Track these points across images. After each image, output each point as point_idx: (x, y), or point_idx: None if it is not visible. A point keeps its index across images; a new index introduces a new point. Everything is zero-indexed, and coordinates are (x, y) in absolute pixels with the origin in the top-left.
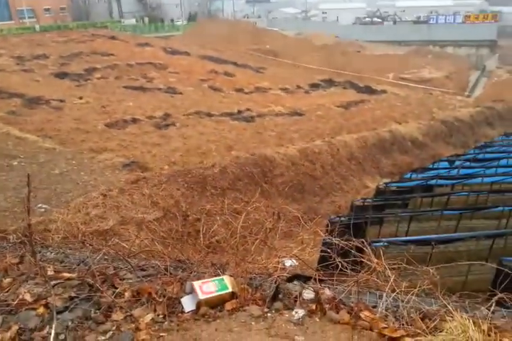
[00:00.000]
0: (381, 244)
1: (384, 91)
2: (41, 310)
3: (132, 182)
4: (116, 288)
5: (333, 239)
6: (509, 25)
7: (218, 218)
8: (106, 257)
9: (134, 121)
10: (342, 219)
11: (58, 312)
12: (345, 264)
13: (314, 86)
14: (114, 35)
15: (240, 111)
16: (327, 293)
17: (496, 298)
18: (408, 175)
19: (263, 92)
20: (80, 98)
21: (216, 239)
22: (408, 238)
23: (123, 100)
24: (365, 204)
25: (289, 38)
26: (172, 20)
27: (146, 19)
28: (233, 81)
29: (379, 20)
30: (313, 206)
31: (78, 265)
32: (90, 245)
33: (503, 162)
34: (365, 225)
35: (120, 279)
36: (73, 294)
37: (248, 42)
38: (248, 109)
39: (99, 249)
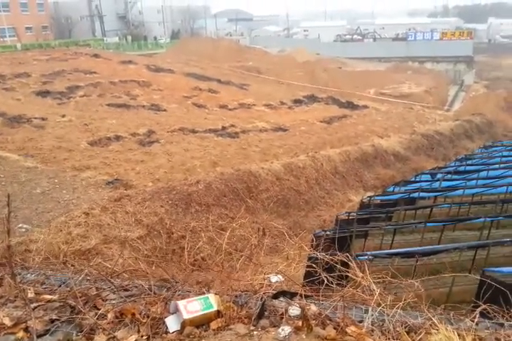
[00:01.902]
0: (366, 257)
1: (366, 107)
2: (21, 334)
3: (115, 200)
4: (99, 310)
5: (318, 253)
6: (483, 41)
7: (203, 235)
8: (88, 278)
9: (118, 138)
10: (327, 233)
11: (39, 336)
12: (330, 279)
13: (297, 102)
14: (97, 53)
15: (224, 128)
16: (313, 308)
17: (479, 309)
18: (391, 189)
19: (247, 108)
20: (63, 116)
21: (201, 256)
22: (392, 251)
23: (106, 118)
24: (350, 217)
25: (272, 55)
26: (155, 38)
27: (129, 37)
28: (217, 98)
29: (359, 37)
30: (299, 220)
31: (59, 286)
32: (72, 266)
33: (483, 174)
34: (350, 239)
35: (103, 300)
36: (54, 316)
37: (231, 60)
38: (232, 125)
39: (81, 270)
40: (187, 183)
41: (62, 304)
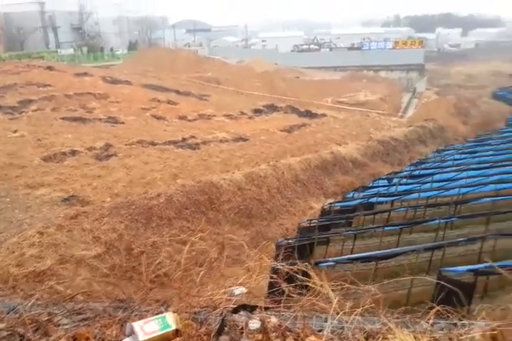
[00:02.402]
0: (328, 263)
1: (324, 115)
2: None
3: (72, 217)
4: (51, 336)
5: (278, 264)
6: (433, 50)
7: (164, 249)
8: (39, 302)
9: (73, 153)
10: (289, 241)
11: None
12: (291, 289)
13: (257, 111)
14: (51, 66)
15: (184, 139)
16: (273, 320)
17: (433, 310)
18: (350, 195)
19: (207, 119)
20: (14, 131)
21: (163, 271)
22: (353, 256)
23: (61, 132)
24: (311, 225)
25: (231, 65)
26: (112, 49)
27: (85, 49)
28: (176, 109)
29: (316, 47)
30: (262, 230)
31: (8, 313)
32: (21, 290)
33: (437, 177)
34: (312, 246)
35: (55, 325)
36: None
37: (190, 71)
38: (192, 137)
39: (32, 294)
40: (147, 197)
41: (10, 333)
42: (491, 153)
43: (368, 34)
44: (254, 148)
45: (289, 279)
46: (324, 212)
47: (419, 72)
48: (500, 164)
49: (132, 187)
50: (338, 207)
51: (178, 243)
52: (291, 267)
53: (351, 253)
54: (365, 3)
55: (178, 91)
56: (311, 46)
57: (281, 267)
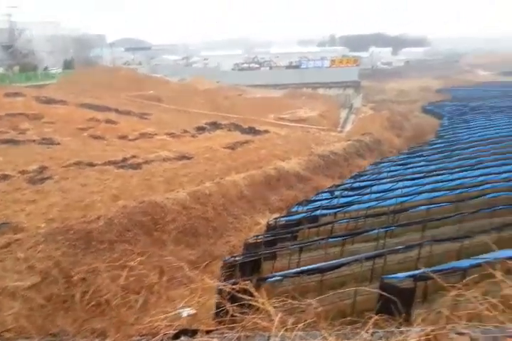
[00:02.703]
0: (275, 278)
1: (266, 132)
2: None
3: (3, 246)
4: None
5: (220, 284)
6: (367, 68)
7: (105, 275)
8: None
9: (4, 177)
10: (236, 258)
11: None
12: (236, 308)
13: (200, 129)
14: None
15: (125, 159)
16: None
17: (372, 320)
18: (295, 209)
19: (149, 138)
20: None
21: (103, 298)
22: (299, 269)
23: None
24: (258, 241)
25: (173, 83)
26: (46, 68)
27: (16, 68)
28: (116, 128)
29: (256, 65)
30: (208, 249)
31: None
32: None
33: (375, 188)
34: (259, 262)
35: None
36: None
37: (130, 89)
38: (134, 156)
39: None
40: (86, 221)
41: None
42: (423, 163)
43: (306, 53)
44: (198, 166)
45: (233, 298)
46: (270, 227)
47: (355, 89)
48: (432, 174)
49: (69, 211)
50: (284, 222)
51: (119, 268)
52: (233, 286)
53: (298, 267)
54: (302, 24)
55: (117, 110)
56: (252, 65)
57: (223, 287)
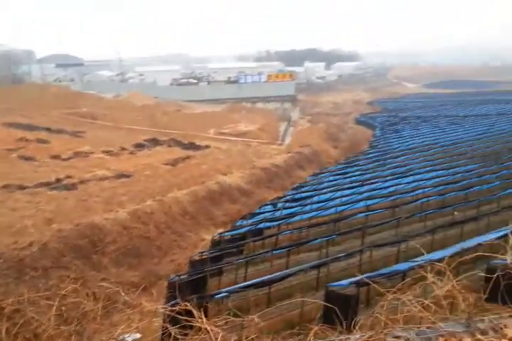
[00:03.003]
0: (222, 295)
1: (207, 147)
2: None
3: None
4: None
5: (160, 306)
6: (303, 82)
7: (39, 304)
8: None
9: None
10: (181, 277)
11: None
12: (178, 330)
13: (139, 146)
14: None
15: (58, 180)
16: None
17: (313, 331)
18: (239, 223)
19: (84, 157)
20: None
21: (35, 331)
22: (246, 283)
23: None
24: (203, 257)
25: (107, 100)
26: None
27: None
28: (48, 148)
29: (195, 81)
30: (152, 269)
31: None
32: None
33: (316, 198)
34: (206, 279)
35: None
36: None
37: (62, 107)
38: (68, 177)
39: None
40: (17, 247)
41: None
42: (359, 173)
43: (243, 68)
44: (138, 183)
45: (176, 320)
46: (215, 243)
47: (292, 103)
48: (368, 182)
49: None
50: (229, 236)
51: (54, 296)
52: (173, 308)
53: (245, 281)
54: (238, 39)
55: (49, 129)
56: (190, 80)
57: (162, 309)
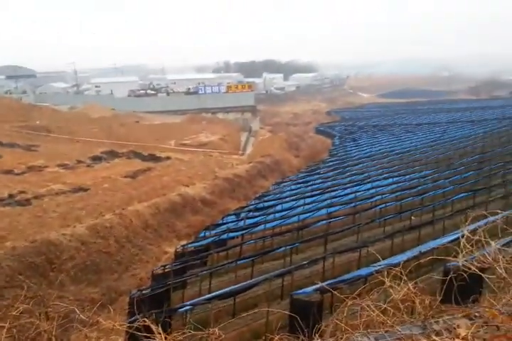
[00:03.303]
0: (186, 308)
1: (168, 158)
2: None
3: None
4: None
5: (115, 323)
6: (262, 93)
7: None
8: None
9: None
10: (143, 292)
11: None
12: None
13: (96, 159)
14: None
15: (11, 195)
16: None
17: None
18: (202, 234)
19: (38, 171)
20: None
21: None
22: (211, 295)
23: None
24: (166, 270)
25: (62, 112)
26: None
27: None
28: (0, 162)
29: (153, 92)
30: (113, 285)
31: None
32: None
33: (279, 207)
34: (169, 292)
35: None
36: None
37: (14, 120)
38: (22, 192)
39: None
40: None
41: None
42: (320, 181)
43: (202, 79)
44: (97, 197)
45: (135, 337)
46: (178, 255)
47: (252, 113)
48: (329, 190)
49: None
50: (192, 248)
51: (6, 317)
52: (132, 325)
53: (209, 293)
54: (197, 50)
55: (0, 143)
56: (148, 91)
57: (119, 327)
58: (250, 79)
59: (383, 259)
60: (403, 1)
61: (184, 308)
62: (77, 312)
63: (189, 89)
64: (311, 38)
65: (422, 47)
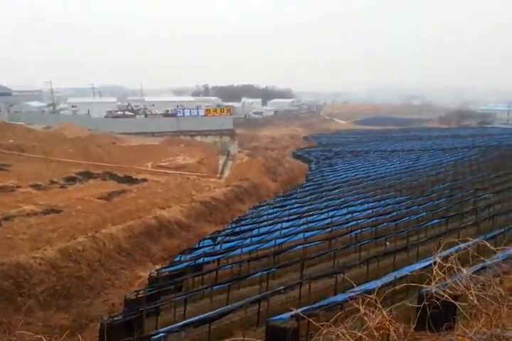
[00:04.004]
0: (159, 335)
1: (145, 180)
2: None
3: None
4: None
5: None
6: (241, 117)
7: None
8: None
9: None
10: (115, 318)
11: None
12: None
13: (71, 180)
14: None
15: None
16: None
17: None
18: (178, 258)
19: (10, 191)
20: None
21: None
22: (185, 322)
23: None
24: (139, 296)
25: (37, 131)
26: None
27: None
28: None
29: (131, 113)
30: (84, 311)
31: None
32: None
33: (256, 231)
34: (142, 319)
35: None
36: None
37: None
38: None
39: None
40: None
41: None
42: (297, 205)
43: (181, 102)
44: (70, 219)
45: None
46: (152, 280)
47: (230, 137)
48: (306, 214)
49: None
50: (167, 273)
51: None
52: None
53: (184, 319)
54: (176, 74)
55: None
56: (126, 112)
57: None
58: (229, 103)
59: (359, 285)
60: (376, 37)
61: (157, 336)
62: (44, 340)
63: (167, 111)
64: (288, 66)
65: (395, 78)
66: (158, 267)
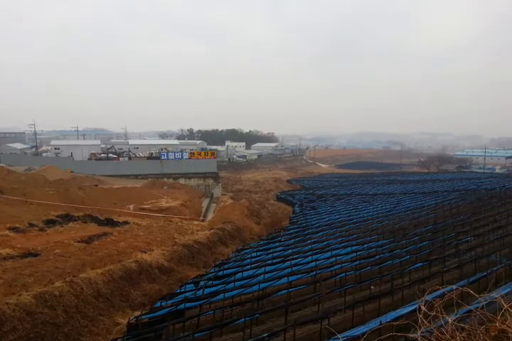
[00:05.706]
0: None
1: (126, 223)
2: None
3: None
4: None
5: None
6: (225, 160)
7: None
8: None
9: None
10: None
11: None
12: None
13: (50, 222)
14: None
15: None
16: None
17: None
18: (158, 304)
19: None
20: None
21: None
22: None
23: None
24: None
25: (18, 173)
26: None
27: None
28: None
29: (115, 156)
30: None
31: None
32: None
33: (239, 275)
34: None
35: None
36: None
37: None
38: None
39: None
40: None
41: None
42: (281, 248)
43: (165, 145)
44: (47, 263)
45: None
46: (131, 327)
47: (214, 179)
48: (290, 258)
49: None
50: (146, 319)
51: None
52: None
53: None
54: (161, 118)
55: None
56: (110, 155)
57: None
58: (213, 147)
59: (345, 331)
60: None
61: None
62: None
63: (152, 154)
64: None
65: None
66: (137, 313)
